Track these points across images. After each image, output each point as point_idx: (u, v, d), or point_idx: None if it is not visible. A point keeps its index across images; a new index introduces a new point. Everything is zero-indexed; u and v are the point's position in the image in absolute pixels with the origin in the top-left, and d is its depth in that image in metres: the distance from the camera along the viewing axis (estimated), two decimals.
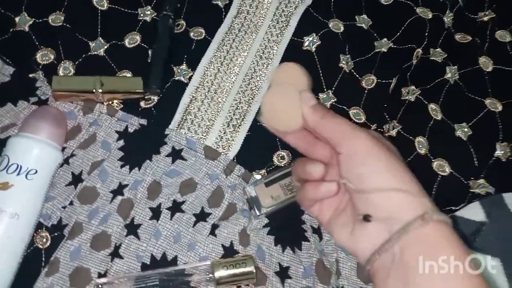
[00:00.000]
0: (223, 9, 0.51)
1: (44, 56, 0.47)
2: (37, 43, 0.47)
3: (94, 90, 0.44)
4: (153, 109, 0.47)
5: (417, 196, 0.32)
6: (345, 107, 0.49)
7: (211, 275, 0.40)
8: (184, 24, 0.50)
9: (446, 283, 0.30)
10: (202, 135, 0.46)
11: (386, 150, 0.34)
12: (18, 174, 0.39)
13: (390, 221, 0.32)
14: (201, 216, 0.43)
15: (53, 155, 0.41)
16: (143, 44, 0.49)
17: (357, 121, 0.48)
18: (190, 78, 0.48)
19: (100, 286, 0.39)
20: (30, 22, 0.48)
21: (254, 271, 0.40)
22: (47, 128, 0.41)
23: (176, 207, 0.43)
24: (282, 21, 0.51)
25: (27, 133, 0.40)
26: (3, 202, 0.38)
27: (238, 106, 0.48)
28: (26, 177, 0.39)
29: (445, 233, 0.31)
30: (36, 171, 0.40)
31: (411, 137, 0.47)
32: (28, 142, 0.40)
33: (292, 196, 0.42)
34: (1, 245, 0.37)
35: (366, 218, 0.33)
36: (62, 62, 0.47)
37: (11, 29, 0.48)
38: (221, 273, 0.39)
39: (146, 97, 0.47)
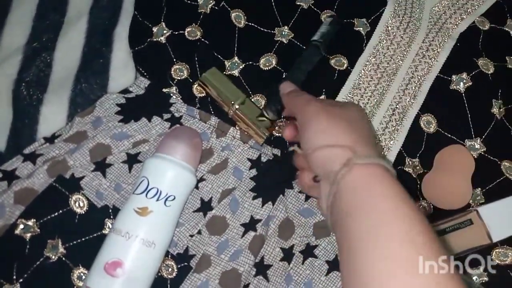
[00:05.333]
0: (364, 37, 0.47)
1: (178, 71, 0.45)
2: (173, 56, 0.45)
3: (232, 102, 0.42)
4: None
5: (344, 146, 0.32)
6: (496, 159, 0.44)
7: None
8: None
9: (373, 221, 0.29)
10: None
11: (330, 113, 0.34)
12: (158, 199, 0.36)
13: (328, 175, 0.32)
14: (336, 264, 0.39)
15: (190, 180, 0.39)
16: (278, 67, 0.46)
17: (510, 177, 0.43)
18: None
19: None
20: (167, 34, 0.46)
21: None
22: (186, 152, 0.39)
23: (309, 251, 0.40)
24: (428, 55, 0.47)
25: (166, 155, 0.38)
26: (140, 228, 0.36)
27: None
28: (165, 203, 0.37)
29: (376, 173, 0.31)
30: (174, 197, 0.37)
31: None
32: (168, 166, 0.38)
33: None
34: (133, 273, 0.35)
35: (315, 179, 0.36)
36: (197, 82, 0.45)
37: (148, 39, 0.46)
38: None
39: (276, 126, 0.44)
